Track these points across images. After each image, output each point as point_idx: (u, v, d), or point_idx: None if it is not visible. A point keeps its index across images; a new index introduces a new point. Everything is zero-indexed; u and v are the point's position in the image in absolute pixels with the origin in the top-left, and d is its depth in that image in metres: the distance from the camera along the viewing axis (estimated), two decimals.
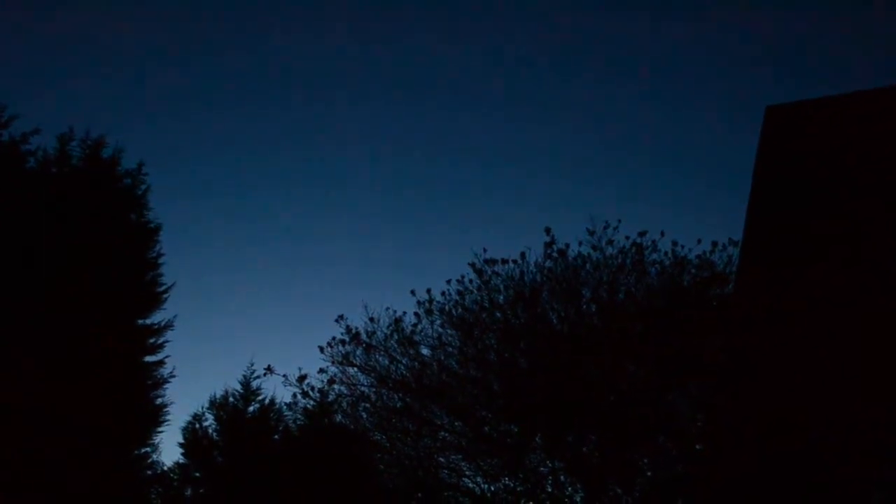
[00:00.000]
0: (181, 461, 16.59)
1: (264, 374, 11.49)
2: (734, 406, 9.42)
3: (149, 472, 15.50)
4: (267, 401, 16.98)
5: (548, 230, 11.77)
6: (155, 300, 15.37)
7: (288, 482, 16.02)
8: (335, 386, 11.74)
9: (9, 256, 13.89)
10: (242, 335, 27.56)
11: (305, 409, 13.84)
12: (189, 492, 16.56)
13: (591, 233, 12.04)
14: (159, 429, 15.37)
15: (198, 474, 16.76)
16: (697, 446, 12.25)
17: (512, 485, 12.93)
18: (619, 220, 12.02)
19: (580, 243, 11.79)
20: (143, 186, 15.42)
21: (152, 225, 15.54)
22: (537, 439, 12.90)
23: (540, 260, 11.80)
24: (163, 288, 15.47)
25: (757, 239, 9.78)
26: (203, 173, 27.47)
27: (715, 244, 11.90)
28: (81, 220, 14.65)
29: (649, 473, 12.77)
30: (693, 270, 12.04)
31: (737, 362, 9.10)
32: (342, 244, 27.47)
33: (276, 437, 16.96)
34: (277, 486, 16.14)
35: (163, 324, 15.31)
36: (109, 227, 15.05)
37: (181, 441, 16.64)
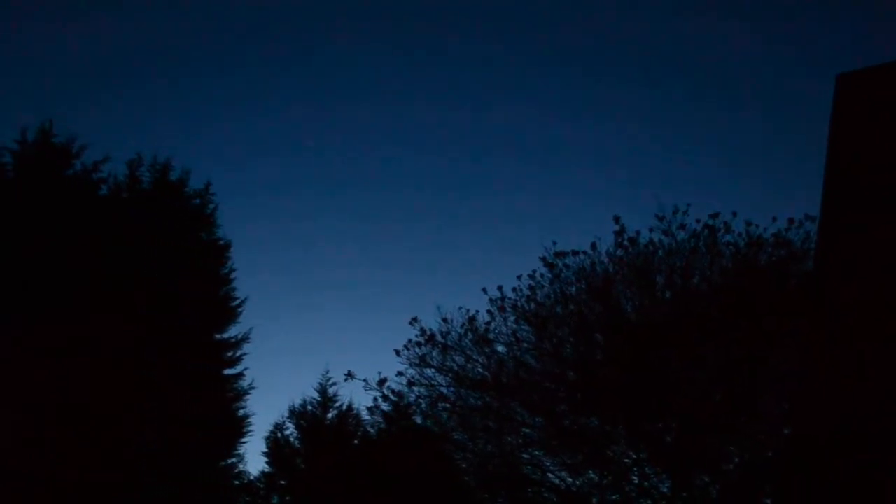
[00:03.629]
0: (266, 470, 17.00)
1: (345, 380, 11.68)
2: (821, 386, 9.17)
3: (236, 482, 15.92)
4: (344, 407, 17.28)
5: (616, 219, 11.64)
6: (230, 315, 15.80)
7: (370, 485, 16.23)
8: (414, 388, 11.82)
9: (88, 281, 14.44)
10: (316, 343, 28.05)
11: (384, 412, 13.98)
12: (276, 499, 16.95)
13: (661, 218, 11.85)
14: (243, 439, 15.85)
15: (283, 482, 17.14)
16: (785, 430, 11.95)
17: (596, 478, 12.83)
18: (689, 204, 11.81)
19: (651, 230, 11.63)
20: (212, 205, 15.86)
21: (222, 242, 15.98)
22: (618, 431, 12.78)
23: (611, 249, 11.67)
24: (236, 302, 15.91)
25: (835, 212, 9.49)
26: (266, 178, 27.98)
27: (791, 221, 11.57)
28: (155, 243, 15.14)
29: (737, 459, 12.52)
30: (769, 249, 11.73)
31: (825, 346, 8.88)
32: (409, 246, 27.74)
33: (355, 441, 17.20)
34: (359, 490, 16.36)
35: (239, 337, 15.75)
36: (182, 246, 15.52)
37: (265, 450, 17.05)
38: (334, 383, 17.48)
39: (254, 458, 19.71)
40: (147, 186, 15.63)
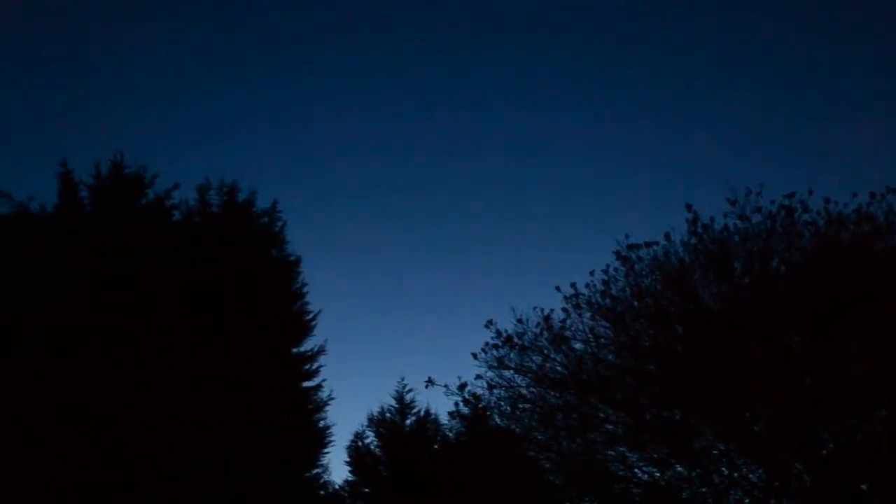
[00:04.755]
0: (349, 478, 17.25)
1: (426, 387, 11.77)
2: None
3: (322, 493, 16.18)
4: (422, 412, 17.40)
5: (689, 206, 11.43)
6: (305, 328, 16.07)
7: (452, 489, 16.31)
8: (495, 391, 11.84)
9: (167, 306, 14.86)
10: (389, 350, 28.26)
11: (464, 415, 14.03)
12: None
13: (733, 202, 11.59)
14: (325, 450, 16.07)
15: (366, 490, 17.35)
16: (883, 412, 11.54)
17: (684, 471, 12.62)
18: (761, 185, 11.52)
19: (725, 215, 11.39)
20: (280, 223, 16.15)
21: (292, 258, 16.26)
22: (703, 422, 12.54)
23: (685, 238, 11.48)
24: (310, 316, 16.15)
25: None
26: (333, 183, 28.28)
27: (873, 195, 11.17)
28: (228, 263, 15.49)
29: (831, 445, 12.14)
30: (851, 226, 11.35)
31: None
32: (478, 249, 27.77)
33: (435, 446, 17.32)
34: (443, 494, 16.45)
35: (315, 350, 16.00)
36: (254, 265, 15.85)
37: (347, 459, 17.30)
38: (410, 390, 17.67)
39: (337, 468, 19.97)
40: (217, 210, 16.01)
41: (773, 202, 11.52)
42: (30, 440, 12.90)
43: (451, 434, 16.73)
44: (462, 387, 11.73)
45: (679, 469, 12.48)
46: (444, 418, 16.72)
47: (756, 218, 11.45)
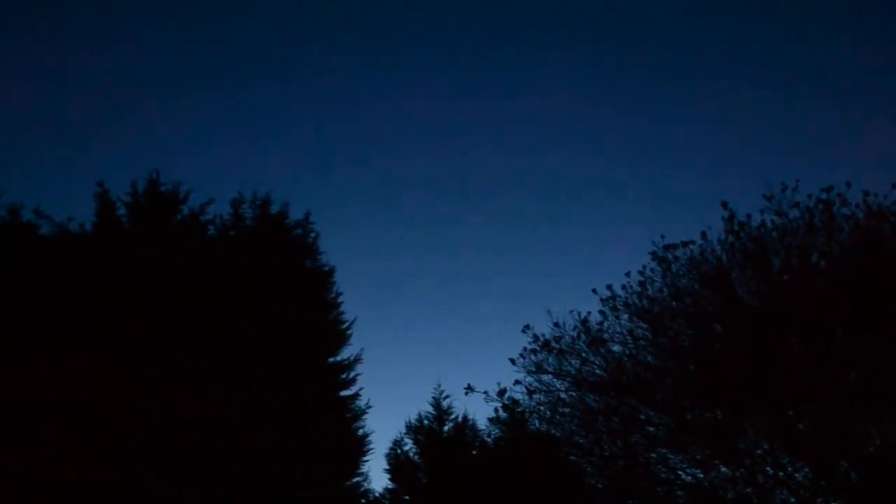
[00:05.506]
0: (389, 486, 17.31)
1: (465, 394, 11.80)
2: None
3: (363, 501, 16.25)
4: (460, 418, 17.41)
5: (724, 204, 11.33)
6: (341, 338, 16.18)
7: (492, 494, 16.28)
8: (534, 395, 11.81)
9: (205, 319, 15.06)
10: (424, 356, 28.26)
11: (503, 421, 14.01)
12: None
13: (769, 198, 11.47)
14: (365, 458, 16.14)
15: (406, 497, 17.40)
16: None
17: (728, 471, 12.47)
18: (797, 180, 11.38)
19: (762, 212, 11.26)
20: (313, 234, 16.29)
21: (326, 268, 16.38)
22: (746, 421, 12.39)
23: (722, 237, 11.37)
24: (345, 325, 16.25)
25: None
26: (365, 187, 28.32)
27: None
28: (263, 275, 15.66)
29: (878, 442, 11.93)
30: (892, 218, 11.16)
31: None
32: (510, 254, 27.69)
33: (473, 452, 17.31)
34: (482, 499, 16.44)
35: (352, 358, 16.09)
36: (288, 276, 16.01)
37: (386, 467, 17.37)
38: (447, 396, 17.69)
39: (377, 476, 19.98)
40: (250, 223, 16.19)
41: (810, 196, 11.40)
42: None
43: (489, 439, 16.71)
44: (501, 393, 11.75)
45: (723, 470, 12.34)
46: (481, 424, 16.74)
47: (793, 213, 11.34)
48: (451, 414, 17.56)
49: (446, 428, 17.54)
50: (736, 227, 11.37)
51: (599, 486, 13.65)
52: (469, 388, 11.78)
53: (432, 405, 17.68)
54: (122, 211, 15.71)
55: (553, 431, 12.45)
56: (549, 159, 27.64)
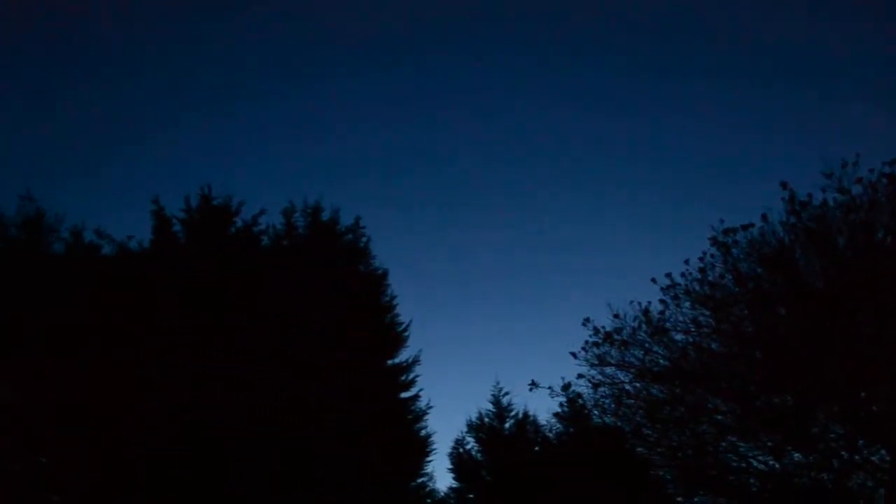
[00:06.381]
0: (454, 485, 17.30)
1: (530, 390, 11.79)
2: None
3: (428, 501, 16.30)
4: (520, 415, 17.32)
5: (784, 184, 11.06)
6: (398, 340, 16.21)
7: (556, 489, 16.19)
8: (599, 388, 11.73)
9: (265, 329, 15.27)
10: (482, 354, 28.10)
11: (566, 416, 13.96)
12: None
13: (829, 175, 11.17)
14: (429, 458, 16.17)
15: (471, 496, 17.38)
16: None
17: (801, 457, 12.21)
18: (858, 154, 11.06)
19: (823, 190, 10.98)
20: (364, 239, 16.36)
21: (379, 272, 16.44)
22: (816, 405, 12.11)
23: (783, 218, 11.12)
24: (402, 327, 16.29)
25: None
26: (417, 188, 28.26)
27: None
28: (318, 283, 15.80)
29: None
30: None
31: None
32: (566, 249, 27.42)
33: (536, 448, 17.21)
34: (547, 495, 16.35)
35: (410, 360, 16.11)
36: (342, 282, 16.12)
37: (449, 466, 17.37)
38: (507, 393, 17.58)
39: (441, 476, 19.94)
40: (302, 231, 16.33)
41: (871, 171, 11.07)
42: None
43: (551, 435, 16.62)
44: (566, 387, 11.69)
45: (796, 456, 12.09)
46: (542, 420, 16.63)
47: (856, 189, 11.02)
48: (511, 411, 17.43)
49: (507, 425, 17.45)
50: (797, 207, 11.11)
51: (668, 477, 13.49)
52: (533, 384, 11.76)
53: (492, 403, 17.58)
54: (178, 227, 15.99)
55: (619, 424, 12.33)
56: (597, 160, 27.25)
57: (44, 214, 15.17)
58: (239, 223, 16.13)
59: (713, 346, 11.63)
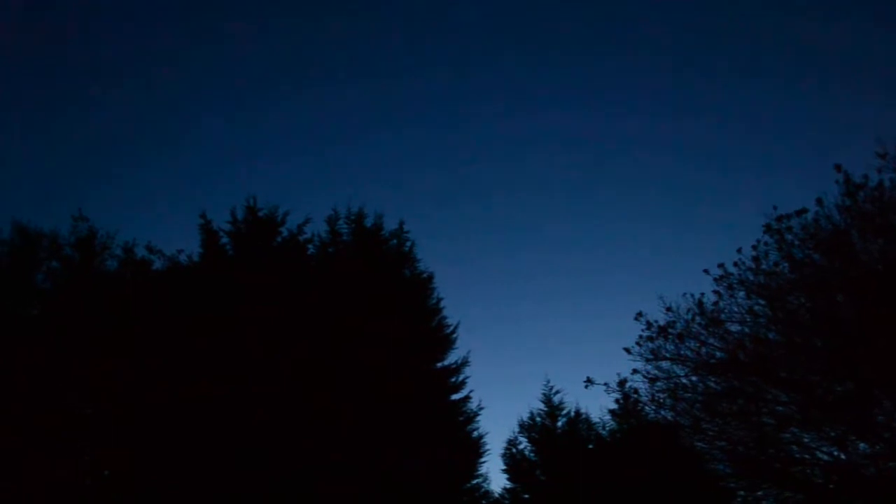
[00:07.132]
0: (508, 486, 17.23)
1: (585, 387, 11.65)
2: None
3: (483, 502, 16.24)
4: (572, 413, 17.21)
5: (838, 167, 10.81)
6: (446, 342, 16.21)
7: (612, 486, 16.00)
8: (656, 383, 11.55)
9: (316, 336, 15.37)
10: (530, 353, 28.08)
11: (620, 412, 13.77)
12: None
13: (883, 155, 10.87)
14: (482, 460, 16.12)
15: (525, 496, 17.29)
16: None
17: (867, 447, 11.86)
18: None
19: (879, 170, 10.68)
20: (409, 243, 16.41)
21: (424, 275, 16.47)
22: (881, 393, 11.76)
23: (838, 201, 10.84)
24: (449, 330, 16.29)
25: None
26: (462, 189, 28.35)
27: None
28: (364, 288, 15.87)
29: None
30: None
31: None
32: (616, 246, 27.31)
33: (589, 445, 17.06)
34: (602, 492, 16.17)
35: (459, 362, 16.11)
36: (389, 287, 16.16)
37: (503, 467, 17.32)
38: (557, 392, 17.49)
39: (496, 477, 19.87)
40: (347, 238, 16.43)
41: None
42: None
43: (604, 432, 16.46)
44: (622, 383, 11.54)
45: (862, 446, 11.75)
46: (594, 417, 16.48)
47: None
48: (563, 409, 17.37)
49: (559, 424, 17.34)
50: (852, 189, 10.82)
51: (728, 471, 13.21)
52: (589, 381, 11.62)
53: (543, 402, 17.53)
54: (225, 240, 16.21)
55: (678, 419, 12.12)
56: (640, 158, 27.06)
57: (96, 233, 15.60)
58: (285, 233, 16.32)
59: (770, 335, 11.37)
